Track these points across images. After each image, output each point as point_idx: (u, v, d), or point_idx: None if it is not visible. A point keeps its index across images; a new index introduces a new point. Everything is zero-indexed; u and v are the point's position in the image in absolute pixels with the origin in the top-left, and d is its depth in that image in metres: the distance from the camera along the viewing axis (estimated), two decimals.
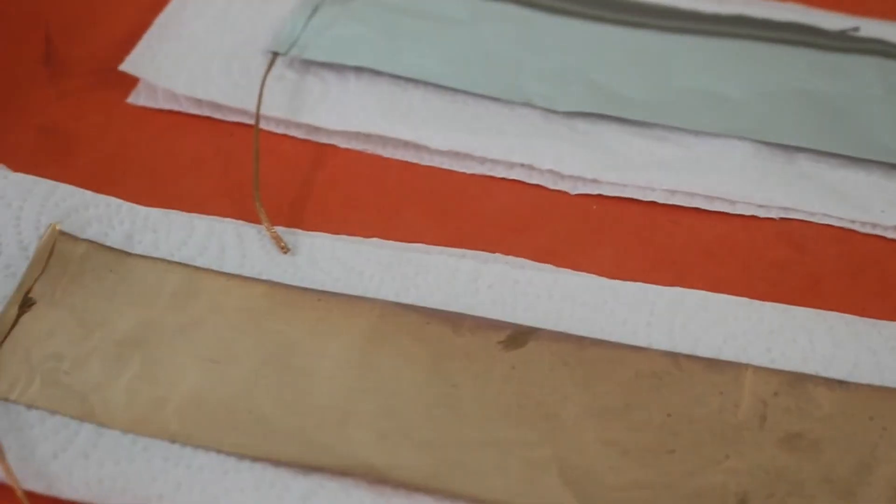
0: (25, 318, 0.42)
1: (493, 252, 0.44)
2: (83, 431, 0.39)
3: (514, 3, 0.54)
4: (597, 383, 0.40)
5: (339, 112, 0.49)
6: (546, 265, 0.44)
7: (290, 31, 0.52)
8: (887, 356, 0.41)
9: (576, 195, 0.47)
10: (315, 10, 0.53)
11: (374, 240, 0.44)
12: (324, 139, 0.49)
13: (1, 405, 0.39)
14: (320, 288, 0.43)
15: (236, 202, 0.46)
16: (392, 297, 0.43)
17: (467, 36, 0.52)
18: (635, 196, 0.46)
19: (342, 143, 0.49)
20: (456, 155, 0.48)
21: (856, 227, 0.46)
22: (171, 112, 0.50)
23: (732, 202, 0.46)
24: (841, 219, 0.46)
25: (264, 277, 0.43)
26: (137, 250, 0.44)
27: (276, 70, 0.51)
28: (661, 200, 0.46)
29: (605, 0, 0.54)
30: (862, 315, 0.42)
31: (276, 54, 0.51)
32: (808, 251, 0.45)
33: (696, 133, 0.48)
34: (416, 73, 0.50)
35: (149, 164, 0.48)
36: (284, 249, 0.44)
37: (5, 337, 0.41)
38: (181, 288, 0.43)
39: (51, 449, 0.38)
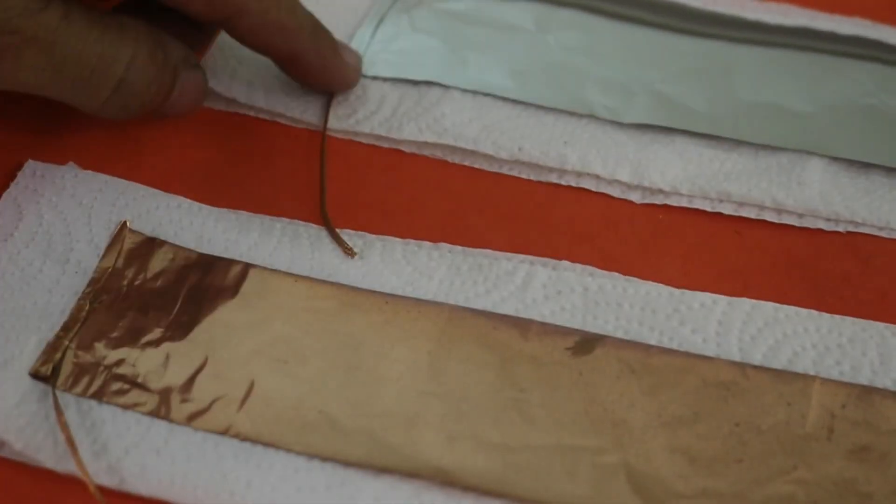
0: (96, 314, 0.42)
1: (560, 259, 0.44)
2: (154, 428, 0.39)
3: (579, 9, 0.54)
4: (664, 391, 0.40)
5: (406, 122, 0.49)
6: (614, 273, 0.44)
7: (356, 47, 0.52)
8: None
9: (642, 205, 0.47)
10: (381, 20, 0.53)
11: (442, 244, 0.45)
12: (391, 144, 0.49)
13: (73, 401, 0.40)
14: (388, 291, 0.43)
15: (304, 204, 0.47)
16: (460, 302, 0.43)
17: (532, 45, 0.52)
18: (702, 207, 0.46)
19: (408, 149, 0.49)
20: (523, 164, 0.48)
21: None
22: (239, 114, 0.50)
23: (799, 215, 0.46)
24: None
25: (333, 279, 0.44)
26: (206, 250, 0.44)
27: None
28: (727, 212, 0.46)
29: (671, 8, 0.54)
30: None
31: None
32: (875, 265, 0.45)
33: (763, 146, 0.48)
34: (482, 86, 0.50)
35: (217, 166, 0.48)
36: (350, 253, 0.44)
37: (76, 333, 0.42)
38: (250, 287, 0.43)
39: (123, 445, 0.39)
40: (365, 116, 0.50)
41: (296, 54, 0.48)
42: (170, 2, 0.44)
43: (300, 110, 0.50)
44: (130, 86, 0.44)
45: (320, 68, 0.49)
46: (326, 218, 0.46)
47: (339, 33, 0.53)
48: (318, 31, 0.48)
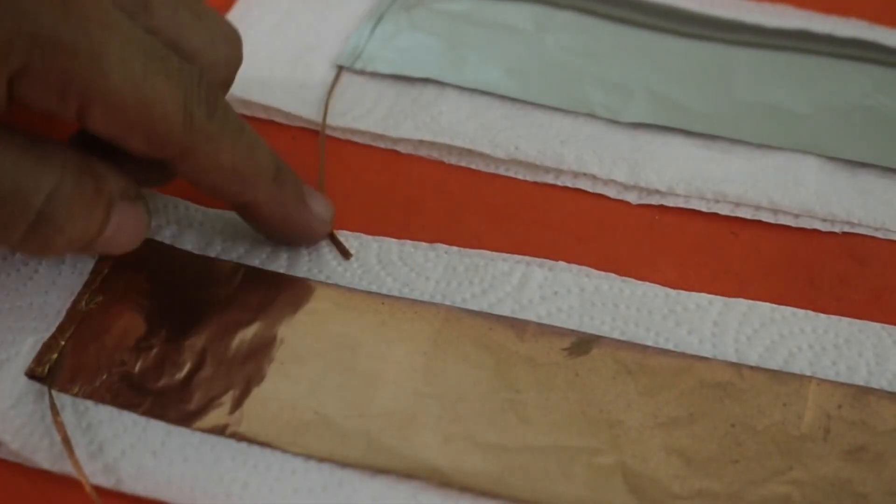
0: (92, 315, 0.42)
1: (556, 260, 0.44)
2: (151, 429, 0.39)
3: (577, 11, 0.54)
4: (660, 392, 0.40)
5: (403, 120, 0.49)
6: (610, 274, 0.44)
7: (354, 44, 0.52)
8: None
9: (638, 205, 0.47)
10: (380, 19, 0.53)
11: (439, 245, 0.45)
12: (388, 145, 0.49)
13: (70, 401, 0.40)
14: (384, 292, 0.43)
15: None
16: (456, 303, 0.43)
17: (531, 45, 0.52)
18: (698, 207, 0.46)
19: (405, 149, 0.49)
20: (520, 163, 0.48)
21: None
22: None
23: (795, 216, 0.46)
24: None
25: (329, 281, 0.44)
26: (203, 252, 0.45)
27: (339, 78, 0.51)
28: (723, 212, 0.46)
29: (669, 11, 0.54)
30: None
31: (341, 68, 0.51)
32: (871, 266, 0.45)
33: (760, 146, 0.48)
34: (480, 84, 0.50)
35: None
36: (347, 256, 0.44)
37: (73, 333, 0.42)
38: (247, 289, 0.43)
39: (119, 446, 0.39)
40: (361, 114, 0.50)
41: (253, 202, 0.42)
42: (109, 140, 0.39)
43: (296, 106, 0.50)
44: (52, 220, 0.38)
45: (281, 218, 0.43)
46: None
47: (337, 31, 0.53)
48: (281, 175, 0.42)
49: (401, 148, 0.49)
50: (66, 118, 0.38)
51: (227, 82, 0.44)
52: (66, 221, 0.38)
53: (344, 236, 0.45)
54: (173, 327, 0.42)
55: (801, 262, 0.45)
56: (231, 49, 0.43)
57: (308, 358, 0.41)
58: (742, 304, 0.43)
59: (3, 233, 0.38)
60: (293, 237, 0.44)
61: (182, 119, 0.38)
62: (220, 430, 0.39)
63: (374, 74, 0.51)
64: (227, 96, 0.50)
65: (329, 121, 0.49)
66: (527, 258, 0.44)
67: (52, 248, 0.39)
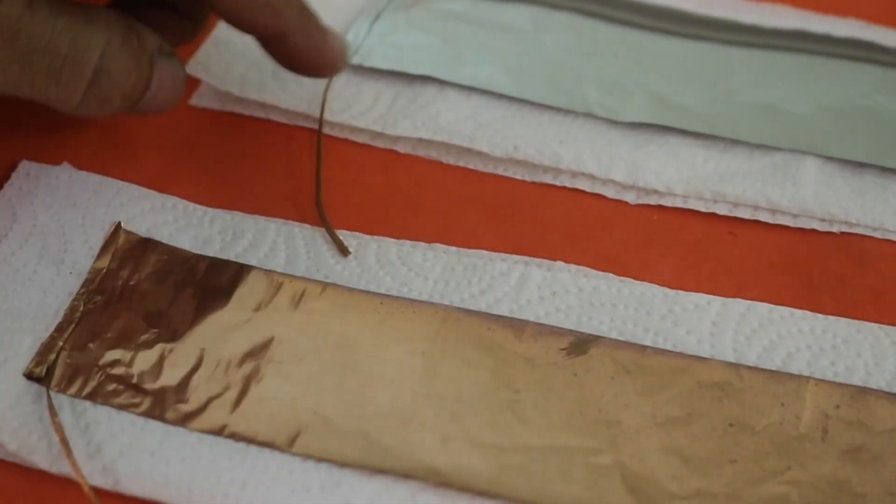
0: (90, 315, 0.42)
1: (554, 260, 0.44)
2: (149, 429, 0.39)
3: (576, 12, 0.54)
4: (658, 392, 0.40)
5: (401, 118, 0.49)
6: (608, 274, 0.44)
7: (352, 40, 0.52)
8: None
9: (636, 205, 0.47)
10: (377, 16, 0.53)
11: (437, 245, 0.45)
12: (386, 144, 0.49)
13: (68, 402, 0.40)
14: (383, 291, 0.43)
15: (299, 205, 0.47)
16: (454, 303, 0.43)
17: (529, 45, 0.52)
18: (696, 207, 0.46)
19: (403, 149, 0.49)
20: (518, 163, 0.48)
21: None
22: (233, 114, 0.50)
23: (794, 216, 0.46)
24: None
25: (328, 280, 0.44)
26: (201, 251, 0.44)
27: (337, 75, 0.51)
28: (722, 212, 0.46)
29: (667, 12, 0.54)
30: None
31: None
32: (870, 266, 0.45)
33: (759, 146, 0.48)
34: (478, 82, 0.50)
35: (211, 166, 0.48)
36: (345, 252, 0.44)
37: (70, 334, 0.42)
38: (245, 288, 0.43)
39: (117, 446, 0.39)
40: (360, 112, 0.50)
41: (282, 33, 0.45)
42: None
43: (294, 103, 0.50)
44: (108, 75, 0.41)
45: (307, 49, 0.46)
46: (322, 212, 0.46)
47: (336, 26, 0.53)
48: (305, 10, 0.45)
49: (399, 147, 0.49)
50: None
51: None
52: (120, 74, 0.42)
53: (343, 235, 0.45)
54: (171, 327, 0.42)
55: (799, 262, 0.45)
56: None
57: (306, 357, 0.41)
58: (740, 304, 0.43)
59: (67, 93, 0.41)
60: (315, 69, 0.47)
61: None
62: (218, 430, 0.39)
63: (373, 73, 0.51)
64: (227, 95, 0.50)
65: (327, 117, 0.49)
66: (525, 258, 0.44)
67: (109, 103, 0.42)
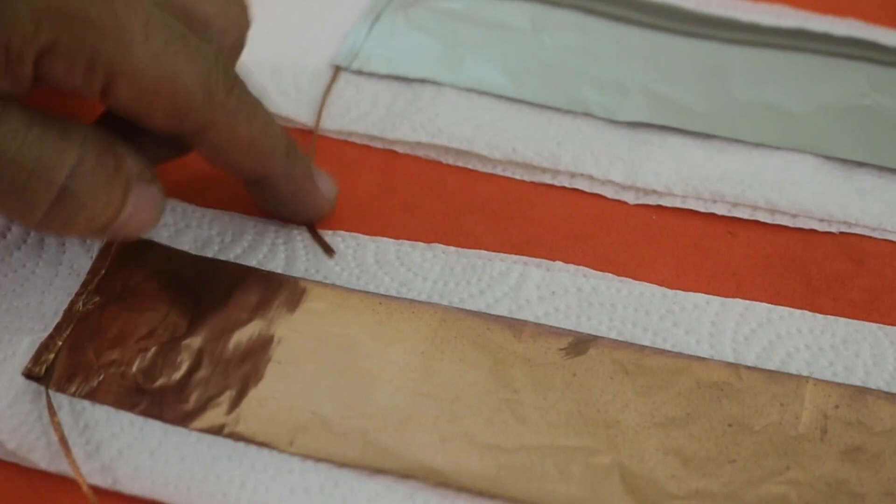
0: (89, 315, 0.42)
1: (553, 260, 0.44)
2: (148, 429, 0.39)
3: (575, 10, 0.54)
4: (657, 392, 0.40)
5: (400, 122, 0.49)
6: (607, 274, 0.44)
7: (351, 44, 0.52)
8: None
9: (635, 205, 0.47)
10: (377, 18, 0.53)
11: (436, 245, 0.45)
12: (385, 144, 0.49)
13: (67, 401, 0.40)
14: (382, 292, 0.43)
15: None
16: (454, 303, 0.43)
17: (528, 45, 0.52)
18: (695, 207, 0.46)
19: (402, 149, 0.49)
20: (517, 164, 0.48)
21: None
22: None
23: (793, 215, 0.46)
24: None
25: (327, 281, 0.44)
26: (200, 252, 0.45)
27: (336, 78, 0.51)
28: (720, 212, 0.46)
29: (666, 10, 0.54)
30: None
31: (338, 68, 0.51)
32: (869, 266, 0.45)
33: (757, 146, 0.48)
34: (476, 83, 0.50)
35: (210, 168, 0.48)
36: (330, 252, 0.44)
37: (69, 333, 0.42)
38: (244, 289, 0.43)
39: (116, 445, 0.39)
40: (359, 116, 0.50)
41: (266, 177, 0.43)
42: (130, 117, 0.39)
43: (292, 109, 0.50)
44: (74, 196, 0.38)
45: (291, 194, 0.44)
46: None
47: (334, 31, 0.53)
48: (292, 152, 0.43)
49: (398, 148, 0.49)
50: (89, 95, 0.38)
51: (239, 46, 0.44)
52: (88, 197, 0.38)
53: (342, 236, 0.45)
54: (170, 327, 0.42)
55: (798, 262, 0.45)
56: (240, 13, 0.44)
57: (305, 358, 0.41)
58: (739, 304, 0.43)
59: (27, 209, 0.38)
60: (301, 213, 0.45)
61: (202, 94, 0.39)
62: (217, 430, 0.39)
63: (371, 75, 0.51)
64: None
65: (326, 124, 0.49)
66: (524, 258, 0.44)
67: (73, 225, 0.39)
